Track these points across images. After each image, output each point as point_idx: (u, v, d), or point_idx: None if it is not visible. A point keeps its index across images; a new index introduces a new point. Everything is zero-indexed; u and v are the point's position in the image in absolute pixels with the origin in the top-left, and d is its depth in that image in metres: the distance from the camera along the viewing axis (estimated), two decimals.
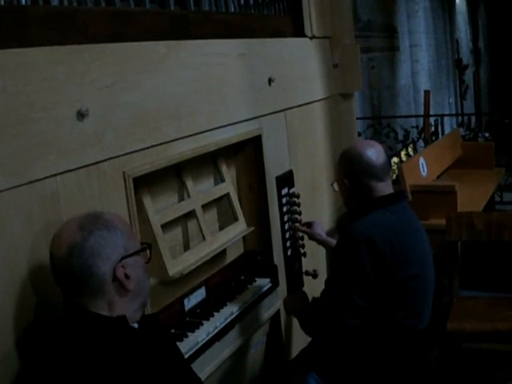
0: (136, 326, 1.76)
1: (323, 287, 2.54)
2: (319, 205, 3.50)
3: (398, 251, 2.37)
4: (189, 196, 2.52)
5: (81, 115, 1.88)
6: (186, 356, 2.18)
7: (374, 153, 2.52)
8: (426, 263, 2.53)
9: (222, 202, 2.78)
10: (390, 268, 2.36)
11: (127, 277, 1.67)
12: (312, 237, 3.06)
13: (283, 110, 3.11)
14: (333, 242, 2.99)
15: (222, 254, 2.73)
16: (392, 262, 2.36)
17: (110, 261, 1.65)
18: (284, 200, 3.08)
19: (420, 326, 2.50)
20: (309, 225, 3.08)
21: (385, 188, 2.52)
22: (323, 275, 3.46)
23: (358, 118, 5.11)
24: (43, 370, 1.60)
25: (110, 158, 2.01)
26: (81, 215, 1.71)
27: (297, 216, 3.15)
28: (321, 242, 3.05)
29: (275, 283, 2.90)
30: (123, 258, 1.67)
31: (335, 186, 2.68)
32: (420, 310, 2.49)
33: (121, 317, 1.67)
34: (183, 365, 1.87)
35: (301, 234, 3.16)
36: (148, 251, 1.81)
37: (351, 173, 2.52)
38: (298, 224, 3.14)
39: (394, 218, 2.45)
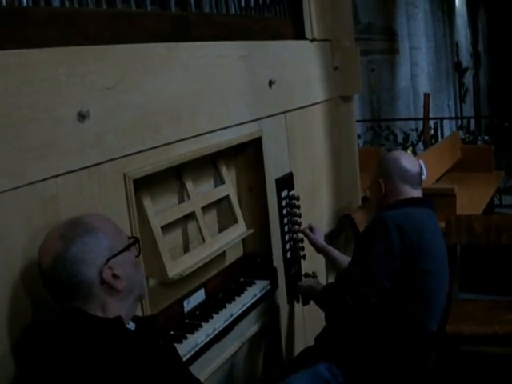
0: (133, 326, 1.76)
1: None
2: (319, 207, 3.50)
3: (423, 244, 2.50)
4: (189, 198, 2.52)
5: (82, 116, 1.88)
6: (185, 358, 2.18)
7: (410, 162, 2.71)
8: (443, 265, 2.63)
9: (221, 203, 2.78)
10: (414, 256, 2.48)
11: (116, 277, 1.66)
12: (313, 242, 3.07)
13: (283, 113, 3.11)
14: (332, 250, 3.03)
15: (222, 255, 2.73)
16: (418, 250, 2.48)
17: (96, 265, 1.64)
18: (284, 202, 3.08)
19: (429, 325, 2.56)
20: (312, 229, 3.09)
21: (416, 195, 2.68)
22: (322, 277, 3.46)
23: (357, 121, 5.11)
24: (39, 372, 1.59)
25: (111, 160, 2.01)
26: (61, 223, 1.71)
27: (296, 218, 3.15)
28: (320, 250, 3.07)
29: (275, 285, 2.90)
30: (109, 259, 1.66)
31: (367, 192, 2.85)
32: (431, 308, 2.56)
33: (117, 318, 1.66)
34: (181, 367, 1.86)
35: (300, 237, 3.16)
36: (137, 244, 1.79)
37: (387, 173, 2.68)
38: (302, 227, 3.14)
39: (419, 216, 2.59)
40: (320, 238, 3.08)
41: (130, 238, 1.79)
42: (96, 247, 1.65)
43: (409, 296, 2.49)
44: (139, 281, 1.78)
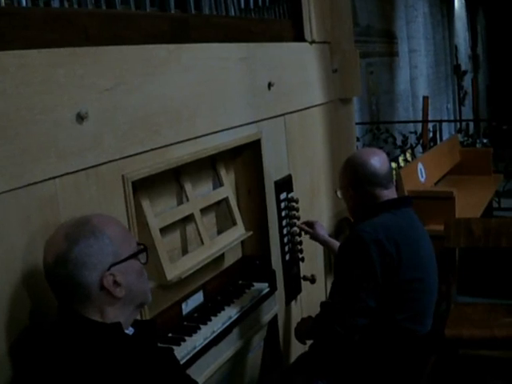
0: (132, 331, 1.74)
1: (327, 291, 2.55)
2: (318, 210, 3.49)
3: (404, 253, 2.42)
4: (187, 200, 2.52)
5: (80, 118, 1.88)
6: (183, 360, 2.18)
7: (378, 161, 2.56)
8: (429, 268, 2.56)
9: (220, 206, 2.78)
10: (395, 269, 2.41)
11: (117, 284, 1.63)
12: (314, 237, 3.06)
13: (282, 115, 3.11)
14: (335, 243, 3.00)
15: (220, 258, 2.72)
16: (398, 263, 2.41)
17: (97, 270, 1.61)
18: (283, 204, 3.08)
19: (421, 330, 2.52)
20: (310, 225, 3.08)
21: (390, 195, 2.57)
22: (321, 280, 3.45)
23: (356, 123, 5.10)
24: (37, 376, 1.59)
25: (109, 161, 2.00)
26: (69, 221, 1.67)
27: (295, 221, 3.15)
28: (323, 243, 3.05)
29: (273, 288, 2.90)
30: (112, 265, 1.62)
31: (339, 193, 2.71)
32: (420, 313, 2.52)
33: (115, 324, 1.64)
34: (179, 371, 1.85)
35: (299, 239, 3.15)
36: (145, 253, 1.74)
37: (356, 181, 2.57)
38: (299, 223, 3.13)
39: (399, 221, 2.50)
40: (321, 231, 3.07)
41: (139, 245, 1.74)
42: (100, 252, 1.61)
43: (395, 307, 2.44)
44: (142, 289, 1.73)
